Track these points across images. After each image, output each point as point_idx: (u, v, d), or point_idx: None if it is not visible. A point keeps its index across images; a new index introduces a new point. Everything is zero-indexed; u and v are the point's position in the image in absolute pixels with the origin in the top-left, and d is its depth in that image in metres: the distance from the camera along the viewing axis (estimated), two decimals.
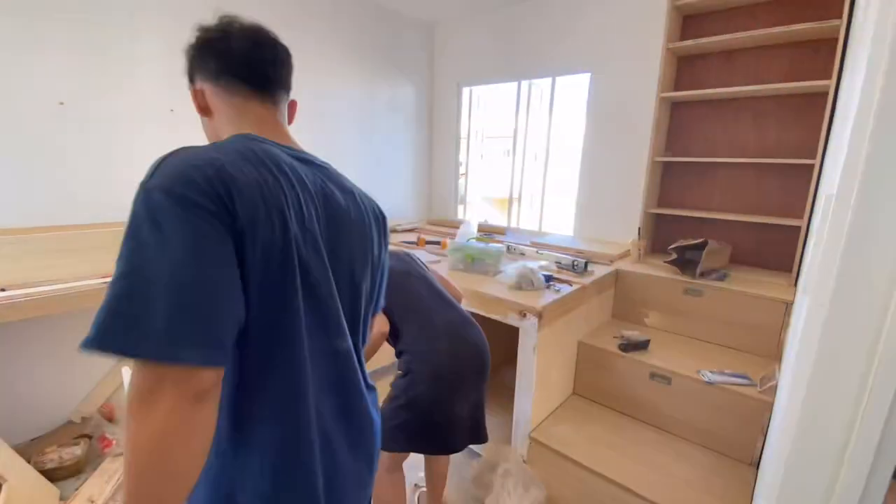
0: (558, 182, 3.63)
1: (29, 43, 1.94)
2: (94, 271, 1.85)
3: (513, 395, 1.99)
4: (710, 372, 1.94)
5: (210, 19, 0.87)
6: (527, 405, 1.94)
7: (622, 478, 1.71)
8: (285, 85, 0.86)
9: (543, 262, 2.44)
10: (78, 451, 1.97)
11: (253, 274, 0.59)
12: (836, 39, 2.01)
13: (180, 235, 0.52)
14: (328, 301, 0.70)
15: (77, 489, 1.83)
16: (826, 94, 2.06)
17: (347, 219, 0.79)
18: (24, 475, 1.69)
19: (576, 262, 2.28)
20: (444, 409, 1.43)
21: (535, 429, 1.99)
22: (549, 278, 2.12)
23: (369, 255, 0.84)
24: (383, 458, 1.43)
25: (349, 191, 0.87)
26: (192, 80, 0.85)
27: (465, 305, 2.05)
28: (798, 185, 2.33)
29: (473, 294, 2.02)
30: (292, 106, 0.91)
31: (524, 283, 2.03)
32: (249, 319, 0.60)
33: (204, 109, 0.84)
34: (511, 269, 2.11)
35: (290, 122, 0.90)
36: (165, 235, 0.52)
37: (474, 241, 2.38)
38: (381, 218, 0.92)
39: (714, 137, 2.61)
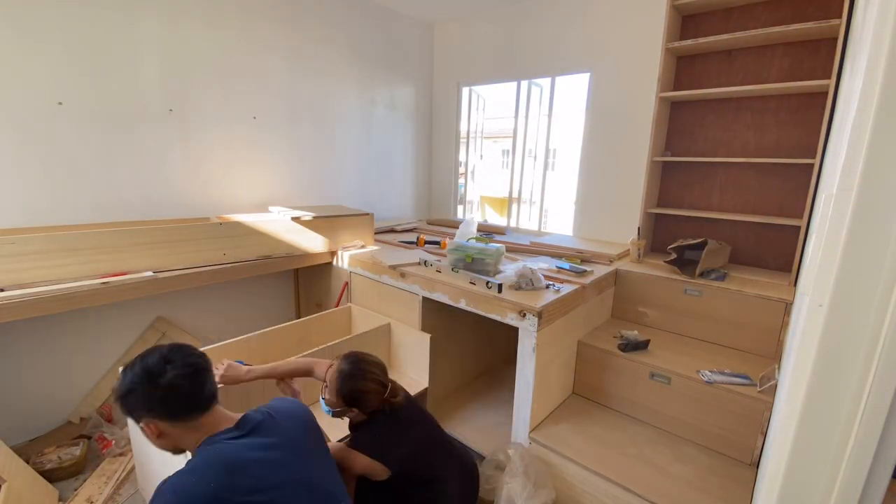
0: (558, 182, 3.62)
1: (28, 43, 1.94)
2: (94, 271, 1.85)
3: (512, 395, 1.99)
4: (710, 372, 1.94)
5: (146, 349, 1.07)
6: (526, 405, 1.94)
7: (622, 478, 1.71)
8: (215, 391, 1.09)
9: (543, 265, 2.45)
10: (77, 451, 1.97)
11: None
12: (836, 39, 2.01)
13: None
14: None
15: (76, 490, 1.83)
16: (826, 93, 2.06)
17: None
18: (23, 476, 1.69)
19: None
20: None
21: (534, 429, 1.99)
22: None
23: (303, 446, 1.15)
24: None
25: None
26: (138, 419, 1.03)
27: (465, 305, 2.05)
28: (798, 184, 2.33)
29: (472, 294, 2.02)
30: None
31: (524, 282, 2.03)
32: None
33: (160, 436, 1.03)
34: (510, 269, 2.11)
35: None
36: None
37: (474, 240, 2.38)
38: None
39: (714, 137, 2.61)
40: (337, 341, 2.09)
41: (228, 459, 0.97)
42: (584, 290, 2.16)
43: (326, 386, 1.50)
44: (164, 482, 0.93)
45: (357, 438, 1.49)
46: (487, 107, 4.21)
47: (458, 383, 2.67)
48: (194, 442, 1.03)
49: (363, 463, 1.41)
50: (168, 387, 0.99)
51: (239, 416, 1.09)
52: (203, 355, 1.09)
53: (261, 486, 0.96)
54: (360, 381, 1.46)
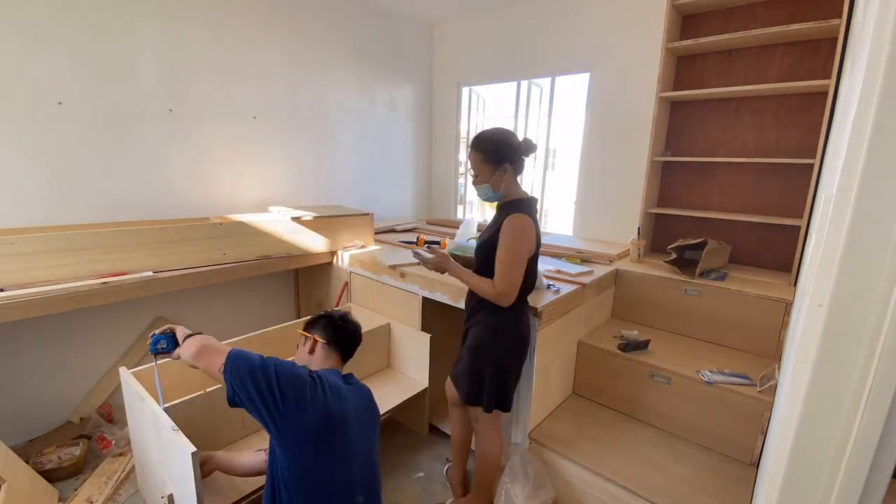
0: (558, 182, 3.63)
1: (28, 43, 1.94)
2: (94, 271, 1.85)
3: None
4: (710, 372, 1.94)
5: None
6: (526, 405, 1.94)
7: (622, 478, 1.71)
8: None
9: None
10: (77, 451, 1.97)
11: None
12: (836, 39, 2.01)
13: None
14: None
15: (76, 490, 1.83)
16: (826, 93, 2.06)
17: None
18: (23, 476, 1.69)
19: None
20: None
21: (534, 428, 1.99)
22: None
23: (372, 427, 1.45)
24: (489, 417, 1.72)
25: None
26: (309, 332, 1.46)
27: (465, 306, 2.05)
28: (798, 184, 2.33)
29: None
30: None
31: None
32: None
33: (311, 351, 1.44)
34: None
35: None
36: None
37: (474, 240, 2.38)
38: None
39: (713, 137, 2.61)
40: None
41: (333, 384, 1.29)
42: (584, 290, 2.16)
43: (476, 171, 1.61)
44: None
45: (514, 210, 1.60)
46: (487, 107, 4.21)
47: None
48: (319, 368, 1.37)
49: (523, 222, 1.56)
50: (346, 327, 1.46)
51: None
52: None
53: (338, 410, 1.24)
54: (495, 136, 1.60)
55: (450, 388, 1.82)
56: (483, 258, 1.63)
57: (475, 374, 1.64)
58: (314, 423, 1.18)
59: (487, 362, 1.63)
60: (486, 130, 1.62)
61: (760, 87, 2.24)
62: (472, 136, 3.96)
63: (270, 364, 1.19)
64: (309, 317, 1.53)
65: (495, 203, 1.68)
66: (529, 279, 1.62)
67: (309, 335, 1.44)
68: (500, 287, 1.51)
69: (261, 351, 2.21)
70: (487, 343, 1.63)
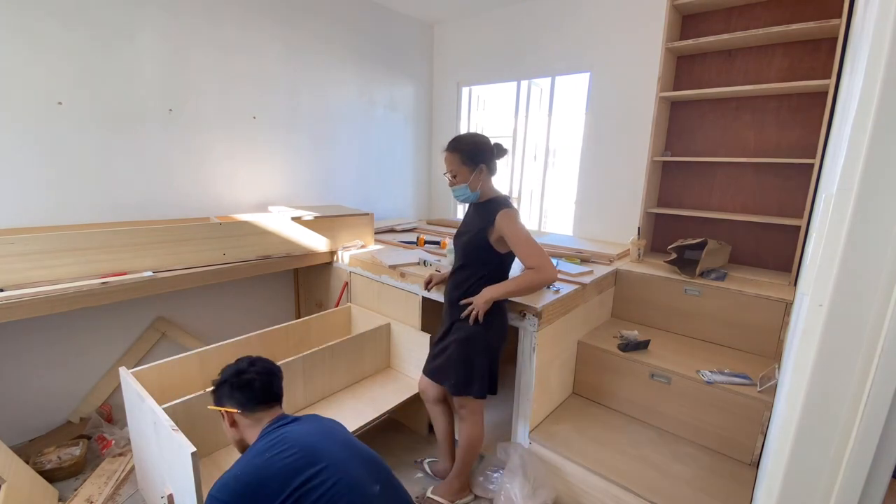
0: (558, 181, 3.63)
1: (28, 42, 1.94)
2: (94, 271, 1.85)
3: (513, 395, 1.99)
4: (710, 372, 1.94)
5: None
6: (526, 405, 1.94)
7: (622, 478, 1.71)
8: (281, 393, 1.35)
9: None
10: (76, 451, 1.97)
11: None
12: (836, 39, 2.01)
13: None
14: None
15: (76, 490, 1.83)
16: (826, 93, 2.06)
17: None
18: (22, 476, 1.69)
19: None
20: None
21: (534, 428, 1.99)
22: None
23: (338, 427, 1.33)
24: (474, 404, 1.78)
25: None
26: (221, 405, 1.29)
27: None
28: (798, 184, 2.33)
29: None
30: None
31: None
32: None
33: (232, 424, 1.28)
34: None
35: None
36: None
37: None
38: None
39: (713, 137, 2.61)
40: (337, 341, 2.09)
41: (268, 446, 1.15)
42: (584, 290, 2.16)
43: (454, 172, 1.76)
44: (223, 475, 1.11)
45: (495, 206, 1.70)
46: (487, 107, 4.21)
47: None
48: (254, 437, 1.22)
49: (515, 212, 1.67)
50: (249, 380, 1.27)
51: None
52: (277, 366, 1.39)
53: (313, 460, 1.12)
54: (470, 138, 1.74)
55: (428, 385, 1.86)
56: (472, 254, 1.70)
57: (465, 364, 1.70)
58: (282, 489, 1.06)
59: (479, 352, 1.69)
60: (462, 134, 1.74)
61: (760, 87, 2.24)
62: None
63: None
64: (212, 388, 1.33)
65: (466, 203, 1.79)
66: (507, 267, 1.73)
67: (221, 410, 1.28)
68: (538, 263, 1.58)
69: (259, 351, 2.21)
70: (479, 332, 1.68)
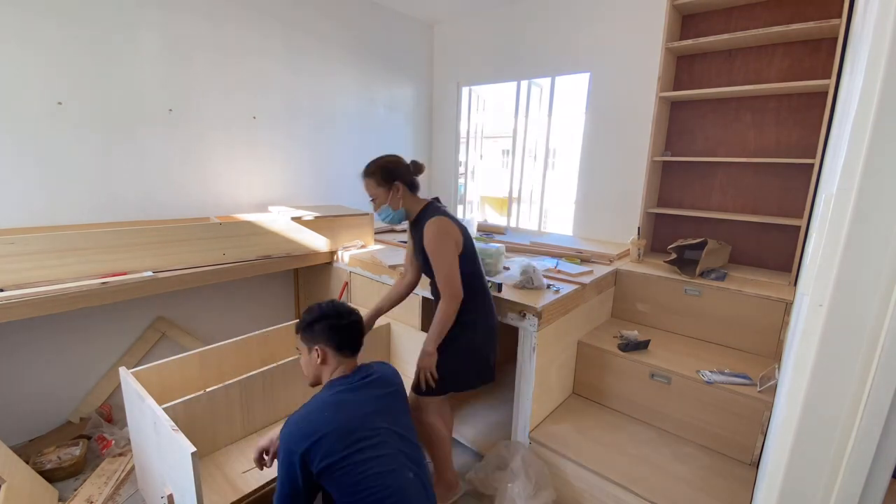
0: (558, 182, 3.63)
1: (28, 43, 1.94)
2: (94, 271, 1.85)
3: (512, 395, 1.99)
4: (710, 372, 1.94)
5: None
6: (526, 405, 1.94)
7: (622, 478, 1.71)
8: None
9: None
10: (76, 451, 1.97)
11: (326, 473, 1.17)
12: (836, 39, 2.01)
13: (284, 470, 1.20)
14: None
15: (76, 490, 1.83)
16: (826, 93, 2.06)
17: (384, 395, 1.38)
18: (22, 476, 1.69)
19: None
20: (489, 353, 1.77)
21: (534, 428, 1.99)
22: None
23: (397, 404, 1.42)
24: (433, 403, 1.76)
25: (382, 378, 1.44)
26: (313, 345, 1.37)
27: None
28: (798, 184, 2.33)
29: None
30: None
31: (526, 280, 2.03)
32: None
33: (323, 361, 1.37)
34: (515, 264, 2.11)
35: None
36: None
37: (474, 240, 2.38)
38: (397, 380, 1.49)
39: (713, 137, 2.61)
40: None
41: (337, 402, 1.27)
42: (584, 290, 2.16)
43: (373, 196, 1.75)
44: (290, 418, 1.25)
45: (425, 219, 1.65)
46: (487, 107, 4.21)
47: None
48: (330, 375, 1.36)
49: (440, 224, 1.61)
50: (349, 325, 1.39)
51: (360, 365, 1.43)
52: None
53: (355, 426, 1.22)
54: (381, 160, 1.73)
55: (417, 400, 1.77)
56: (431, 274, 1.68)
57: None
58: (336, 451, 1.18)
59: (448, 354, 1.66)
60: (375, 158, 1.74)
61: (760, 86, 2.24)
62: (473, 134, 3.98)
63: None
64: (300, 320, 1.43)
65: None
66: (475, 267, 1.70)
67: (314, 347, 1.37)
68: (447, 292, 1.58)
69: (258, 351, 2.22)
70: (454, 337, 1.65)
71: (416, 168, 1.72)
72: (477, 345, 1.71)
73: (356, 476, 1.17)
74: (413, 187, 1.71)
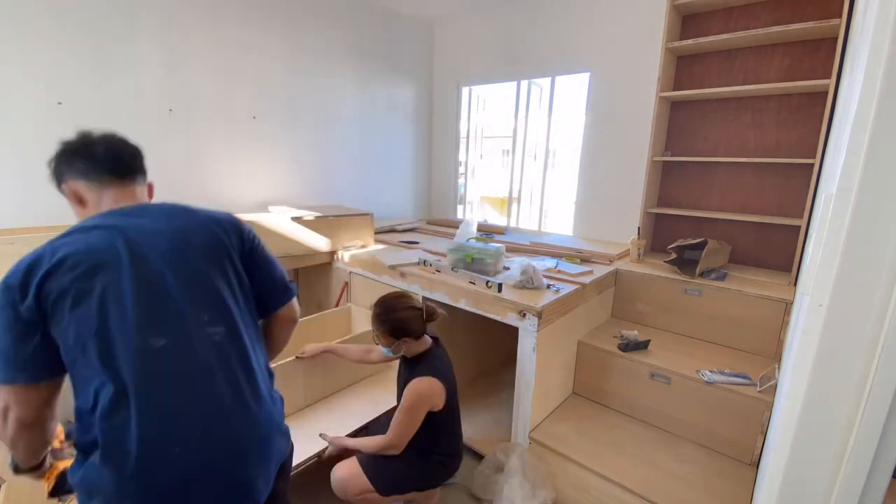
0: (558, 182, 3.63)
1: (28, 42, 1.94)
2: None
3: (512, 395, 1.99)
4: (710, 372, 1.94)
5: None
6: (526, 405, 1.94)
7: (622, 478, 1.71)
8: (140, 170, 1.11)
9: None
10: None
11: (59, 323, 0.86)
12: (836, 39, 2.01)
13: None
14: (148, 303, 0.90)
15: None
16: (826, 93, 2.06)
17: (187, 236, 1.00)
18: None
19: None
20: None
21: (534, 428, 1.99)
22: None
23: (218, 249, 1.02)
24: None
25: (190, 213, 1.07)
26: (59, 182, 1.01)
27: (465, 305, 2.06)
28: (798, 184, 2.33)
29: (472, 293, 2.02)
30: (150, 187, 1.16)
31: (526, 280, 2.03)
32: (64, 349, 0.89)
33: (81, 201, 1.00)
34: (515, 263, 2.11)
35: (150, 198, 1.13)
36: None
37: (474, 240, 2.38)
38: (227, 222, 1.08)
39: (713, 137, 2.61)
40: (336, 341, 2.08)
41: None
42: (584, 290, 2.16)
43: (377, 336, 1.66)
44: None
45: (420, 370, 1.63)
46: (487, 107, 4.21)
47: (458, 383, 2.66)
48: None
49: (429, 387, 1.58)
50: (85, 142, 1.00)
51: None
52: (135, 145, 1.13)
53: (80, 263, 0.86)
54: (396, 312, 1.62)
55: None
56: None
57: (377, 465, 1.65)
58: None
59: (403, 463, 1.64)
60: (389, 304, 1.66)
61: (760, 86, 2.24)
62: (473, 134, 3.98)
63: None
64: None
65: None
66: (452, 416, 1.71)
67: (62, 187, 1.02)
68: (391, 439, 1.58)
69: None
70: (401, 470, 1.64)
71: (430, 316, 1.67)
72: (426, 469, 1.69)
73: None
74: (420, 334, 1.66)
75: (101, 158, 1.00)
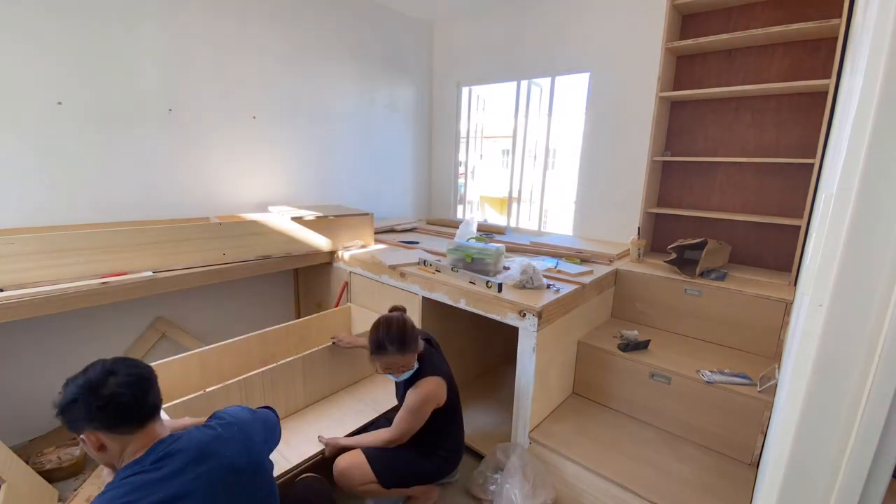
0: (558, 182, 3.62)
1: (28, 43, 1.94)
2: (94, 271, 1.85)
3: (512, 395, 1.99)
4: (710, 372, 1.94)
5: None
6: (526, 405, 1.94)
7: (622, 478, 1.71)
8: (160, 405, 1.09)
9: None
10: (76, 451, 1.97)
11: None
12: (836, 39, 2.01)
13: None
14: None
15: (76, 490, 1.83)
16: (826, 93, 2.06)
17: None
18: (22, 476, 1.69)
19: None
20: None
21: (534, 428, 1.99)
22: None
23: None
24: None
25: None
26: (79, 431, 1.00)
27: (465, 305, 2.06)
28: (798, 184, 2.33)
29: (472, 293, 2.02)
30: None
31: (526, 279, 2.03)
32: None
33: (100, 449, 1.00)
34: (515, 263, 2.11)
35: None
36: None
37: (474, 240, 2.38)
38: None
39: (713, 137, 2.61)
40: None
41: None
42: (584, 289, 2.16)
43: (401, 370, 1.69)
44: None
45: (426, 371, 1.70)
46: (487, 107, 4.20)
47: (458, 383, 2.65)
48: (131, 456, 1.01)
49: (437, 387, 1.66)
50: (110, 396, 0.98)
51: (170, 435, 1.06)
52: (148, 367, 1.10)
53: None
54: (403, 333, 1.66)
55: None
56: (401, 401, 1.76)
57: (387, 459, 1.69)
58: None
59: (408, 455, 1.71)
60: (382, 336, 1.66)
61: (760, 86, 2.24)
62: (473, 134, 3.98)
63: None
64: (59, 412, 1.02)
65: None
66: (455, 415, 1.81)
67: (80, 436, 1.01)
68: (395, 433, 1.66)
69: (258, 351, 2.20)
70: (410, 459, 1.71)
71: (388, 325, 1.67)
72: (431, 464, 1.75)
73: None
74: (401, 348, 1.66)
75: (125, 408, 1.00)
